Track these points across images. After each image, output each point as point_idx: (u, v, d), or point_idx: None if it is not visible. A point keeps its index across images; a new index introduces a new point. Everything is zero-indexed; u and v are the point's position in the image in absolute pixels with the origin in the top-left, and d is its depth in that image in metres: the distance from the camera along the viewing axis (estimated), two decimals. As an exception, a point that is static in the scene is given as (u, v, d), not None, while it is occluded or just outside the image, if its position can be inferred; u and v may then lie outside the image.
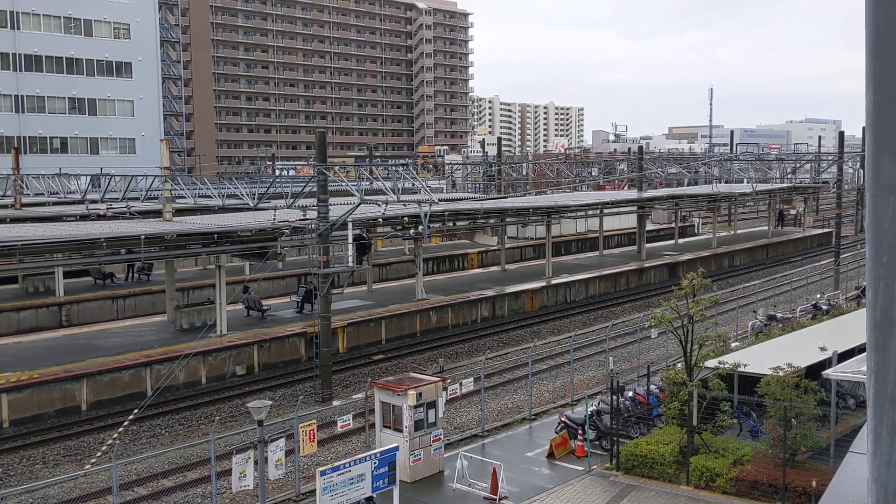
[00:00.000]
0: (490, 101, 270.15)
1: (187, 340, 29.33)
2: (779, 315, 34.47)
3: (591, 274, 47.57)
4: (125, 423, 23.24)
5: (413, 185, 41.37)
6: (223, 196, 45.25)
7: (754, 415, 21.52)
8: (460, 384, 23.67)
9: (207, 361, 29.77)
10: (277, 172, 76.25)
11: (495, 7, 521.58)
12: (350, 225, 31.10)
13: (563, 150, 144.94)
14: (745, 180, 73.36)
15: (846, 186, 71.68)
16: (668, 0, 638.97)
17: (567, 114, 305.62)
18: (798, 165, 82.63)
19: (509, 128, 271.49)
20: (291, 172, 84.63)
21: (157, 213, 40.94)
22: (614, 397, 21.31)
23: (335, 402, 27.72)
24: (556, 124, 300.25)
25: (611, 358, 29.13)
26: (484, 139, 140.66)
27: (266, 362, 31.55)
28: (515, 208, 46.83)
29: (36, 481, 20.40)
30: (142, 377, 27.98)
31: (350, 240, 31.59)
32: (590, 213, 56.41)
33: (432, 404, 20.50)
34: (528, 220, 49.15)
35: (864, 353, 1.56)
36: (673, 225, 65.27)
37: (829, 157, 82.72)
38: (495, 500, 18.75)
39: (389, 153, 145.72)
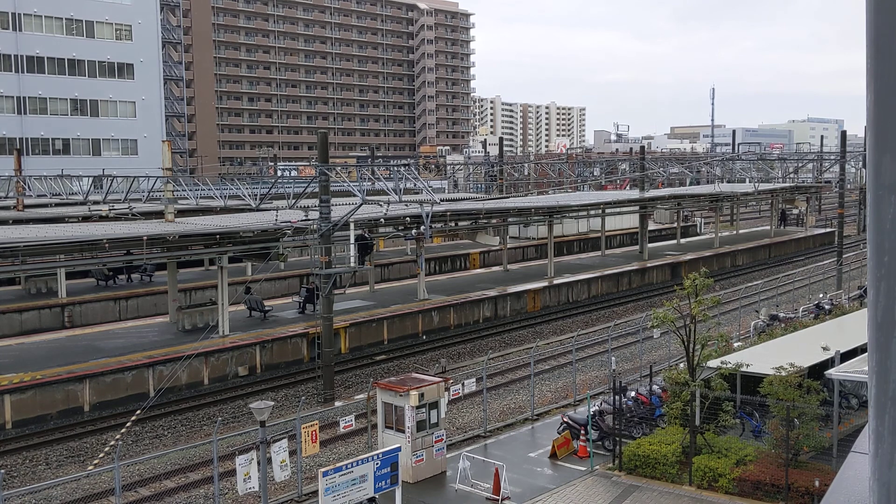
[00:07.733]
0: (492, 102, 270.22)
1: (190, 341, 29.36)
2: (781, 315, 34.43)
3: (593, 274, 47.56)
4: (128, 424, 23.28)
5: (415, 185, 41.36)
6: (225, 197, 45.21)
7: (757, 415, 21.51)
8: (462, 384, 23.69)
9: (210, 362, 29.79)
10: (279, 173, 76.21)
11: (496, 7, 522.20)
12: (352, 225, 31.11)
13: (564, 150, 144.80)
14: (748, 180, 73.29)
15: (848, 186, 71.63)
16: (670, 0, 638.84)
17: (569, 114, 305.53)
18: (800, 165, 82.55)
19: (511, 128, 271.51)
20: (293, 173, 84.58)
21: (160, 214, 40.93)
22: (617, 397, 21.29)
23: (337, 403, 27.73)
24: (558, 124, 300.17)
25: (613, 358, 29.15)
26: (486, 139, 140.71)
27: (268, 363, 31.57)
28: (517, 208, 46.80)
29: (39, 482, 20.44)
30: (144, 378, 28.00)
31: (352, 240, 31.62)
32: (592, 213, 56.40)
33: (434, 405, 20.50)
34: (530, 220, 49.12)
35: (867, 353, 1.56)
36: (675, 225, 65.24)
37: (832, 157, 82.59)
38: (498, 500, 18.75)
39: (391, 153, 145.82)
